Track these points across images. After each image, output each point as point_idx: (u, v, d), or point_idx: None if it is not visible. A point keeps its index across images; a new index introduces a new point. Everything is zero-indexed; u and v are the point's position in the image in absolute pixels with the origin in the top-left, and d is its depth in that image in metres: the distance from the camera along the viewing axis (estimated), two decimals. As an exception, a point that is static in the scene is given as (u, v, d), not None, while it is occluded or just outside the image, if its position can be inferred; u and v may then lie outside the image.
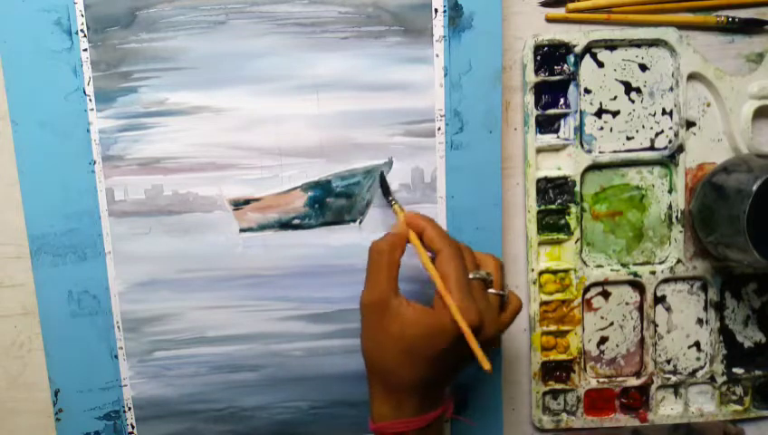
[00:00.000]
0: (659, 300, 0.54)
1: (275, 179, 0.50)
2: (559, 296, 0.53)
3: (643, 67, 0.51)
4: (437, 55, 0.48)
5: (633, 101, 0.51)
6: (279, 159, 0.49)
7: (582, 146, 0.51)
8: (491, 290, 0.43)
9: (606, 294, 0.54)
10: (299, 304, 0.51)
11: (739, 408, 0.55)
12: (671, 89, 0.51)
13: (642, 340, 0.54)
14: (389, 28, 0.48)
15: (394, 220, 0.50)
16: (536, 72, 0.50)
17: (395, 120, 0.49)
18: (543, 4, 0.51)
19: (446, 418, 0.45)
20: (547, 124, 0.51)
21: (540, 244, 0.52)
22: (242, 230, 0.50)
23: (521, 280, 0.53)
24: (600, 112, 0.51)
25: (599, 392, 0.54)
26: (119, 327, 0.51)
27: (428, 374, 0.42)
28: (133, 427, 0.52)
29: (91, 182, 0.49)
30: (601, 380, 0.54)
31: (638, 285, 0.53)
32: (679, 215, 0.52)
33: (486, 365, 0.39)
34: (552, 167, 0.52)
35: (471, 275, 0.42)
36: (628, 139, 0.52)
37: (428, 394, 0.43)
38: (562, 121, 0.51)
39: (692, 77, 0.51)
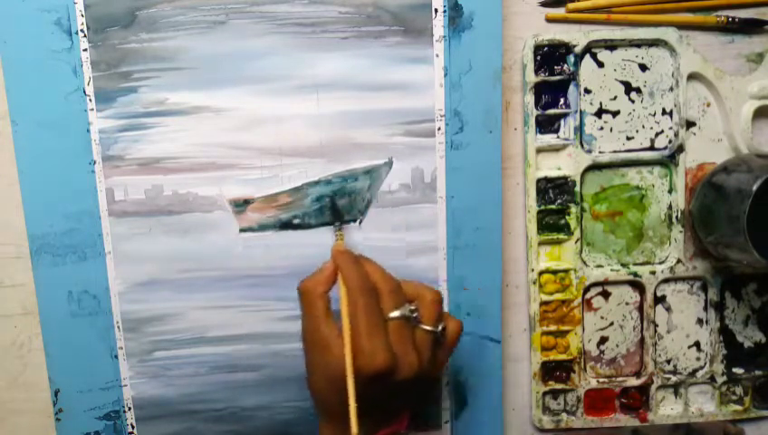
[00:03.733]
0: (659, 300, 0.54)
1: (275, 179, 0.50)
2: (559, 296, 0.53)
3: (643, 67, 0.51)
4: (437, 55, 0.48)
5: (633, 101, 0.51)
6: (279, 159, 0.49)
7: (582, 146, 0.52)
8: (423, 326, 0.42)
9: (606, 294, 0.54)
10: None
11: (739, 408, 0.55)
12: (671, 89, 0.51)
13: (642, 340, 0.54)
14: (389, 28, 0.48)
15: (393, 221, 0.50)
16: (536, 72, 0.50)
17: (395, 120, 0.49)
18: (543, 4, 0.51)
19: (403, 433, 0.44)
20: (547, 124, 0.51)
21: (540, 244, 0.52)
22: (242, 230, 0.50)
23: (521, 280, 0.53)
24: (600, 112, 0.51)
25: (599, 392, 0.54)
26: (119, 327, 0.51)
27: (362, 404, 0.40)
28: (133, 427, 0.52)
29: (91, 182, 0.49)
30: (601, 380, 0.54)
31: (638, 285, 0.53)
32: (679, 215, 0.52)
33: (353, 430, 0.38)
34: (552, 167, 0.52)
35: (392, 314, 0.41)
36: (628, 139, 0.52)
37: (365, 421, 0.41)
38: (562, 121, 0.51)
39: (692, 77, 0.51)
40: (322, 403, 0.43)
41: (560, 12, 0.51)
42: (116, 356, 0.51)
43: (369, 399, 0.40)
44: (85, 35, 0.47)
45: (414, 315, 0.42)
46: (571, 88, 0.51)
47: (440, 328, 0.43)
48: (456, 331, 0.44)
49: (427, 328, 0.42)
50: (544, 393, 0.54)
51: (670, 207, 0.52)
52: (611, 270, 0.53)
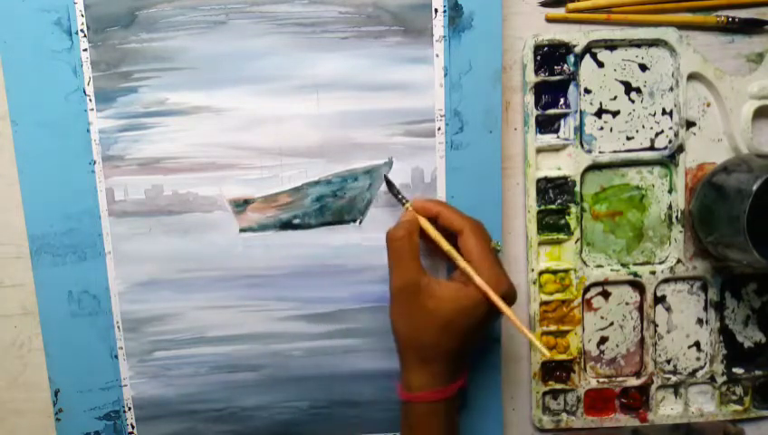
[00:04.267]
0: (659, 300, 0.54)
1: (275, 179, 0.50)
2: (559, 296, 0.53)
3: (643, 67, 0.51)
4: (437, 55, 0.48)
5: (633, 101, 0.51)
6: (279, 159, 0.49)
7: (582, 146, 0.51)
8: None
9: (606, 294, 0.54)
10: (299, 304, 0.51)
11: (739, 408, 0.55)
12: (671, 89, 0.51)
13: (642, 340, 0.54)
14: (389, 28, 0.48)
15: (393, 221, 0.50)
16: (536, 72, 0.50)
17: (395, 120, 0.49)
18: (543, 4, 0.51)
19: (464, 389, 0.48)
20: (547, 124, 0.51)
21: (540, 244, 0.52)
22: (242, 230, 0.50)
23: (521, 280, 0.53)
24: (600, 112, 0.51)
25: (599, 392, 0.54)
26: (119, 327, 0.51)
27: (463, 344, 0.44)
28: (133, 427, 0.52)
29: (91, 182, 0.49)
30: (601, 380, 0.54)
31: (638, 285, 0.53)
32: (679, 215, 0.52)
33: (545, 353, 0.44)
34: (552, 167, 0.52)
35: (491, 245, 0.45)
36: (629, 139, 0.52)
37: (457, 363, 0.45)
38: (562, 121, 0.51)
39: (692, 77, 0.51)
40: (424, 349, 0.44)
41: (560, 12, 0.51)
42: (116, 356, 0.51)
43: (472, 337, 0.44)
44: (85, 35, 0.47)
45: (499, 247, 0.46)
46: (571, 88, 0.51)
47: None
48: None
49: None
50: (544, 393, 0.54)
51: (670, 207, 0.52)
52: (611, 270, 0.53)
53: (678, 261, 0.53)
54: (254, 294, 0.51)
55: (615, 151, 0.52)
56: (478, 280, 0.43)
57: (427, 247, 0.49)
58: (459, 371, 0.46)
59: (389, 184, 0.49)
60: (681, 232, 0.52)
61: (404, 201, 0.47)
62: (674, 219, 0.52)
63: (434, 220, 0.46)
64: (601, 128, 0.52)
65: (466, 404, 0.53)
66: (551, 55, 0.50)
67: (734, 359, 0.55)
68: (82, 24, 0.47)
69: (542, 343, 0.53)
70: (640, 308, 0.54)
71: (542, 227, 0.52)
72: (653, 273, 0.53)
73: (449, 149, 0.49)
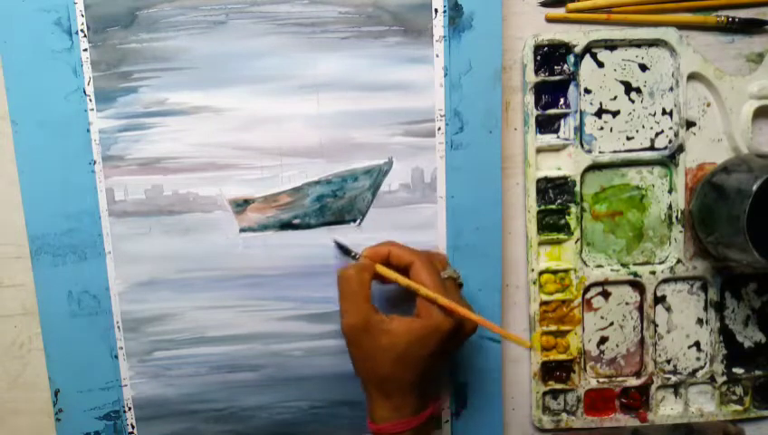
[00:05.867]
0: (659, 300, 0.54)
1: (275, 179, 0.50)
2: (559, 296, 0.53)
3: (643, 67, 0.51)
4: (437, 55, 0.48)
5: (633, 101, 0.51)
6: (279, 159, 0.49)
7: (582, 146, 0.52)
8: (458, 280, 0.47)
9: (606, 294, 0.54)
10: (299, 304, 0.51)
11: (739, 408, 0.55)
12: (671, 89, 0.51)
13: (642, 340, 0.54)
14: (389, 28, 0.48)
15: (393, 221, 0.50)
16: (536, 72, 0.50)
17: (395, 120, 0.49)
18: (543, 4, 0.51)
19: (436, 416, 0.47)
20: (547, 124, 0.51)
21: (540, 244, 0.52)
22: (242, 230, 0.50)
23: (521, 280, 0.53)
24: (600, 112, 0.51)
25: (599, 392, 0.54)
26: (119, 327, 0.51)
27: (421, 375, 0.44)
28: (133, 427, 0.52)
29: (91, 182, 0.49)
30: (601, 380, 0.54)
31: (638, 285, 0.53)
32: (679, 215, 0.52)
33: (527, 344, 0.47)
34: (552, 167, 0.52)
35: (444, 275, 0.45)
36: (629, 139, 0.52)
37: (421, 394, 0.45)
38: (562, 121, 0.51)
39: (692, 77, 0.51)
40: (384, 382, 0.44)
41: (560, 12, 0.51)
42: (116, 356, 0.51)
43: (431, 365, 0.44)
44: (85, 35, 0.47)
45: (456, 275, 0.47)
46: (571, 88, 0.51)
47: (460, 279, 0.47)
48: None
49: (460, 281, 0.47)
50: (544, 393, 0.54)
51: (670, 207, 0.52)
52: (611, 270, 0.53)
53: (678, 261, 0.53)
54: (254, 294, 0.51)
55: (615, 151, 0.52)
56: (443, 300, 0.42)
57: (400, 294, 0.49)
58: (425, 400, 0.45)
59: (339, 246, 0.49)
60: (681, 232, 0.52)
61: (356, 256, 0.47)
62: (674, 219, 0.52)
63: (387, 263, 0.45)
64: (601, 128, 0.52)
65: (466, 404, 0.53)
66: (551, 55, 0.50)
67: (734, 359, 0.55)
68: (82, 24, 0.47)
69: (538, 343, 0.53)
70: (640, 308, 0.54)
71: (542, 227, 0.52)
72: (653, 273, 0.53)
73: (449, 149, 0.49)
